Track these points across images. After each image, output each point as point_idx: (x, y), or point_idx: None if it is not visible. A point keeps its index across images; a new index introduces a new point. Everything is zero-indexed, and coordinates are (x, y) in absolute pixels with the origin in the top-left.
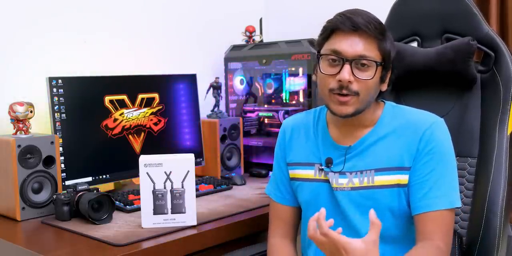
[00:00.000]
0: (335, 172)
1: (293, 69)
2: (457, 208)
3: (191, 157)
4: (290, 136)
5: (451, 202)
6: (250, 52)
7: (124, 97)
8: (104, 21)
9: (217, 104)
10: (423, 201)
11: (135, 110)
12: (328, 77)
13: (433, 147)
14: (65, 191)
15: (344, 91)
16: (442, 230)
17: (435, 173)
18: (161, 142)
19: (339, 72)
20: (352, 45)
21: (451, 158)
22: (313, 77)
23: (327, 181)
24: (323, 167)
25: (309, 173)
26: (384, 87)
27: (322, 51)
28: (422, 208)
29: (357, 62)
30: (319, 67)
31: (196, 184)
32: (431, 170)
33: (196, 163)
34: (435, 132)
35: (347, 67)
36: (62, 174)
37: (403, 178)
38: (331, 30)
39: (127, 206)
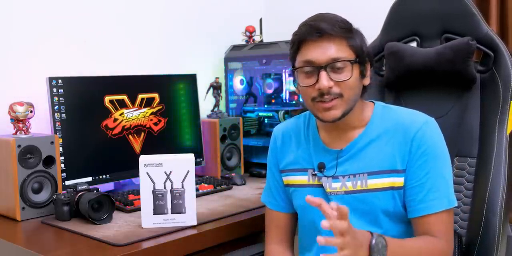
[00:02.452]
0: (328, 177)
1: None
2: (455, 207)
3: (191, 157)
4: (281, 143)
5: (449, 202)
6: (250, 52)
7: (124, 97)
8: (104, 21)
9: (217, 104)
10: (423, 204)
11: (135, 110)
12: (308, 88)
13: (426, 148)
14: (65, 191)
15: (326, 97)
16: (443, 231)
17: (431, 175)
18: (161, 142)
19: (317, 81)
20: (322, 51)
21: (445, 158)
22: (296, 91)
23: (321, 186)
24: (316, 172)
25: (302, 178)
26: (367, 81)
27: (296, 64)
28: (422, 211)
29: (332, 66)
30: (298, 80)
31: (196, 184)
32: (426, 172)
33: (196, 163)
34: (427, 133)
35: (323, 74)
36: (62, 174)
37: (397, 181)
38: (298, 42)
39: (127, 206)
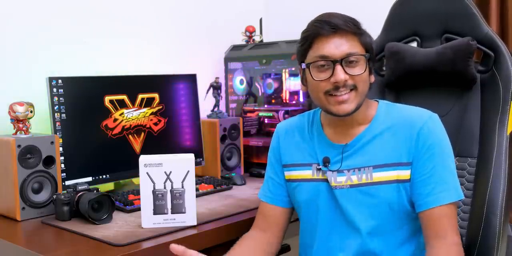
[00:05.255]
0: (333, 171)
1: (293, 69)
2: (460, 200)
3: (191, 157)
4: (284, 139)
5: (458, 194)
6: (250, 52)
7: (124, 97)
8: (104, 21)
9: (217, 104)
10: (431, 197)
11: (135, 110)
12: (321, 82)
13: (432, 142)
14: (65, 191)
15: (342, 89)
16: (453, 223)
17: (438, 168)
18: (161, 142)
19: (331, 75)
20: (337, 46)
21: (450, 152)
22: (302, 88)
23: (326, 180)
24: (320, 166)
25: (306, 173)
26: (373, 79)
27: (308, 60)
28: (431, 203)
29: (346, 60)
30: (311, 75)
31: (196, 184)
32: (434, 165)
33: (196, 163)
34: (432, 127)
35: (338, 68)
36: (62, 174)
37: (402, 174)
38: (312, 38)
39: (127, 206)
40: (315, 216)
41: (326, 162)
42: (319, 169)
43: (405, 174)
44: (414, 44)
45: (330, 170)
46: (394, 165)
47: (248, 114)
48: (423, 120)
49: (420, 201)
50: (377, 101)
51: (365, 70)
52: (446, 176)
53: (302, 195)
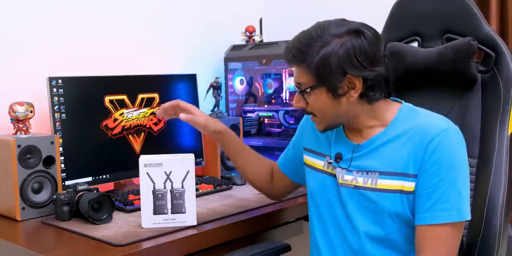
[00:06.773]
0: (342, 168)
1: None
2: (466, 221)
3: (191, 157)
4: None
5: (459, 215)
6: (250, 52)
7: (124, 97)
8: (104, 21)
9: (217, 104)
10: (428, 213)
11: (135, 110)
12: None
13: (440, 157)
14: (65, 191)
15: (306, 114)
16: (445, 245)
17: (442, 185)
18: (161, 142)
19: None
20: (294, 74)
21: (461, 168)
22: None
23: (334, 175)
24: (331, 161)
25: (319, 163)
26: (351, 97)
27: None
28: (427, 220)
29: (299, 89)
30: None
31: (196, 184)
32: (438, 181)
33: (196, 163)
34: (444, 141)
35: (296, 95)
36: (62, 174)
37: (407, 185)
38: None
39: (127, 206)
40: (320, 208)
41: (338, 158)
42: (330, 163)
43: (409, 186)
44: (415, 44)
45: (340, 167)
46: (400, 175)
47: (248, 114)
48: (435, 132)
49: (418, 215)
50: (401, 102)
51: (303, 102)
52: (450, 194)
53: (312, 184)
